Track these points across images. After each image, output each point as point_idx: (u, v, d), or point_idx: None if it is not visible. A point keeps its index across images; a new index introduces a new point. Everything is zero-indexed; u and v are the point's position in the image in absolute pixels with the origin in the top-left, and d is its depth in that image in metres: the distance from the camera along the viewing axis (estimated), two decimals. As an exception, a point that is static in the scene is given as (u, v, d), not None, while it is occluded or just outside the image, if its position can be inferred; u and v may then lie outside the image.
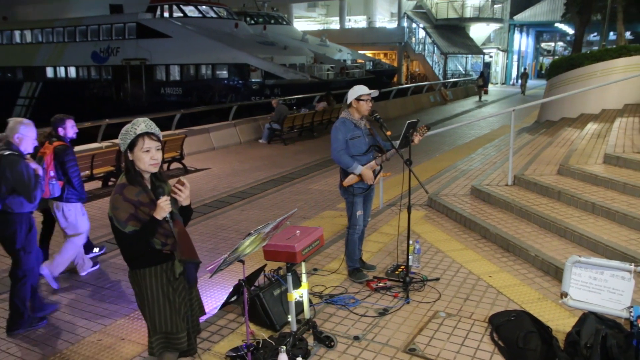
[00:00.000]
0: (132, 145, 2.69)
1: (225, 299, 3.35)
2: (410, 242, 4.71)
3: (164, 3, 27.00)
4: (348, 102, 4.61)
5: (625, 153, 6.67)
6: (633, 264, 3.10)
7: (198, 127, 13.81)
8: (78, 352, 3.97)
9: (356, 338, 3.81)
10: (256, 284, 4.07)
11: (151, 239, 2.69)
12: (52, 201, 5.16)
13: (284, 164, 11.51)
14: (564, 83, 12.77)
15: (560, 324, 3.84)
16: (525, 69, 34.64)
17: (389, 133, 4.46)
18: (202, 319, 4.27)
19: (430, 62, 36.37)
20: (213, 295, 4.91)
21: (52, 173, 4.91)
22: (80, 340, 4.17)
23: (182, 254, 2.76)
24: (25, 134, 4.21)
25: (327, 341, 3.69)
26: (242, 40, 25.69)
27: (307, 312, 3.85)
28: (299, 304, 3.85)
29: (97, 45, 28.73)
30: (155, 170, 2.75)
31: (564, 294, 3.23)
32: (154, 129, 2.74)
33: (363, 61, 30.12)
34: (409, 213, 4.57)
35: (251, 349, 3.37)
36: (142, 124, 2.71)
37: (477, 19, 37.64)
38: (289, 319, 3.67)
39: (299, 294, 3.74)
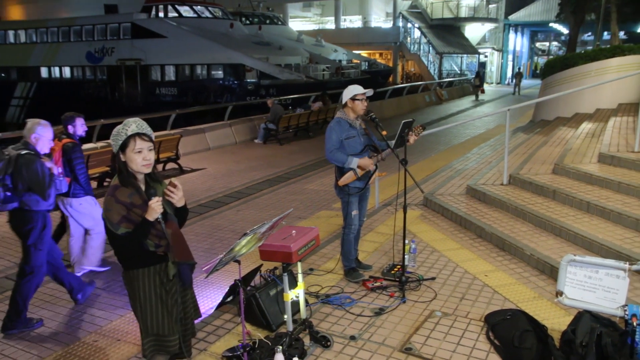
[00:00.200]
0: (123, 147, 2.67)
1: (221, 299, 3.34)
2: (406, 241, 4.71)
3: (159, 3, 26.94)
4: (343, 102, 4.61)
5: (619, 152, 6.70)
6: (628, 262, 3.11)
7: (193, 127, 13.78)
8: (74, 353, 3.96)
9: (352, 338, 3.81)
10: (252, 284, 4.06)
11: (144, 241, 2.67)
12: (60, 197, 5.26)
13: (280, 164, 11.50)
14: (559, 83, 12.82)
15: (556, 322, 3.85)
16: (519, 69, 34.74)
17: (384, 133, 4.47)
18: (196, 320, 4.28)
19: (426, 62, 36.44)
20: (209, 296, 4.90)
21: (60, 169, 5.00)
22: (75, 342, 4.16)
23: (175, 256, 2.74)
24: (41, 135, 4.36)
25: (323, 341, 3.69)
26: (237, 41, 25.67)
27: (303, 312, 3.85)
28: (295, 304, 3.85)
29: (92, 46, 28.64)
30: (147, 170, 2.73)
31: (559, 293, 3.24)
32: (146, 129, 2.72)
33: (358, 61, 30.15)
34: (405, 213, 4.57)
35: (247, 349, 3.37)
36: (133, 124, 2.68)
37: (472, 19, 37.73)
38: (285, 319, 3.67)
39: (295, 293, 3.74)
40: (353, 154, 4.54)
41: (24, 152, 4.23)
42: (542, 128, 11.60)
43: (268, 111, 14.85)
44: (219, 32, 26.06)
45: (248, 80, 23.83)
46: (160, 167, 10.81)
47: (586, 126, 9.59)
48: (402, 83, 34.46)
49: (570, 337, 3.28)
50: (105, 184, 9.48)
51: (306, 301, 4.00)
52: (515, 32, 41.61)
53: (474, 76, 30.67)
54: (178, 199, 2.75)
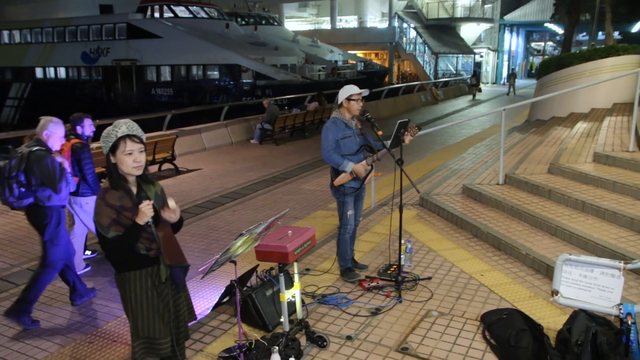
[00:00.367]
0: (114, 148, 2.64)
1: (217, 299, 3.34)
2: (402, 241, 4.72)
3: (155, 3, 26.87)
4: (339, 102, 4.61)
5: (614, 152, 6.73)
6: (622, 261, 3.13)
7: (189, 128, 13.76)
8: (70, 354, 3.95)
9: (349, 338, 3.82)
10: (248, 284, 4.06)
11: (134, 244, 2.64)
12: (69, 196, 5.29)
13: (276, 164, 11.50)
14: (554, 82, 12.86)
15: (552, 321, 3.86)
16: (513, 69, 34.85)
17: (380, 133, 4.47)
18: (192, 321, 4.27)
19: (421, 62, 36.49)
20: (205, 296, 4.89)
21: (68, 169, 5.07)
22: (71, 343, 4.14)
23: (167, 259, 2.71)
24: (53, 132, 4.52)
25: (319, 341, 3.69)
26: (233, 41, 25.65)
27: (299, 312, 3.85)
28: (292, 304, 3.85)
29: (87, 46, 28.55)
30: (138, 173, 2.70)
31: (554, 292, 3.25)
32: (136, 130, 2.69)
33: (354, 62, 30.17)
34: (401, 212, 4.58)
35: (244, 349, 3.36)
36: (124, 125, 2.65)
37: (467, 19, 37.82)
38: (282, 319, 3.67)
39: (292, 294, 3.74)
40: (349, 154, 4.55)
41: (35, 148, 4.36)
42: (537, 128, 11.64)
43: (264, 111, 14.85)
44: (214, 33, 26.02)
45: (244, 81, 23.81)
46: (156, 167, 10.80)
47: (581, 126, 9.63)
48: (398, 83, 34.50)
49: (566, 336, 3.29)
50: (101, 184, 9.45)
51: (302, 301, 4.00)
52: (511, 32, 41.73)
53: (470, 76, 30.83)
54: (175, 219, 2.75)
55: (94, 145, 10.91)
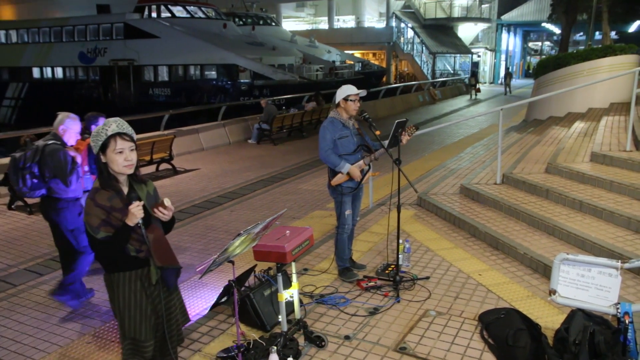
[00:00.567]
0: (104, 147, 2.60)
1: (215, 299, 3.33)
2: (400, 241, 4.72)
3: (152, 3, 26.85)
4: (336, 102, 4.61)
5: (611, 151, 6.74)
6: (620, 260, 3.13)
7: (187, 128, 13.74)
8: (67, 354, 3.94)
9: (347, 337, 3.82)
10: (246, 284, 4.06)
11: (124, 245, 2.60)
12: (85, 193, 5.38)
13: (274, 164, 11.50)
14: (551, 82, 12.88)
15: (549, 321, 3.87)
16: (508, 68, 34.92)
17: (378, 132, 4.47)
18: (190, 321, 4.27)
19: (419, 62, 36.52)
20: (203, 296, 4.89)
21: (86, 168, 5.17)
22: (69, 343, 4.14)
23: (158, 261, 2.68)
24: (69, 127, 4.70)
25: (317, 341, 3.69)
26: (230, 41, 25.64)
27: (297, 312, 3.85)
28: (290, 304, 3.85)
29: (84, 46, 28.50)
30: (129, 171, 2.66)
31: (552, 292, 3.25)
32: (127, 129, 2.66)
33: (352, 62, 30.18)
34: (399, 212, 4.58)
35: (242, 349, 3.36)
36: (114, 124, 2.62)
37: (465, 19, 37.86)
38: (280, 319, 3.67)
39: (290, 294, 3.73)
40: (346, 153, 4.55)
41: (50, 142, 4.53)
42: (535, 127, 11.65)
43: (262, 111, 14.84)
44: (212, 33, 26.01)
45: (241, 81, 23.80)
46: (153, 167, 10.78)
47: (579, 125, 9.65)
48: (395, 83, 34.52)
49: (564, 335, 3.30)
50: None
51: (300, 301, 4.00)
52: (508, 32, 41.77)
53: (469, 75, 30.93)
54: (168, 218, 2.70)
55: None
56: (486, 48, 40.54)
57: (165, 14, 26.80)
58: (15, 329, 4.44)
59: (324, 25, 43.51)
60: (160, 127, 13.63)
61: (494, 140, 11.19)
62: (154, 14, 26.85)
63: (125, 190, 2.70)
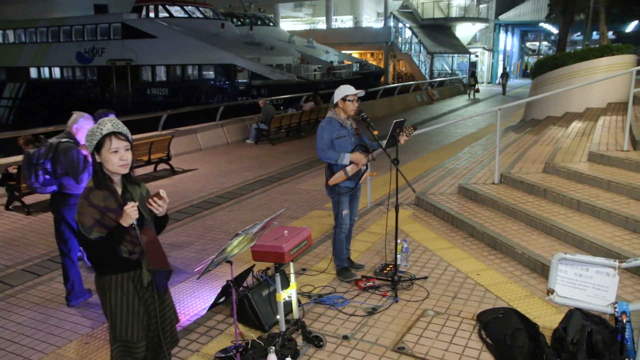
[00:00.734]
0: (99, 147, 2.57)
1: (213, 300, 3.33)
2: (398, 241, 4.72)
3: (150, 3, 26.82)
4: (334, 102, 4.61)
5: (609, 151, 6.76)
6: (617, 260, 3.14)
7: (185, 128, 13.73)
8: (65, 355, 3.93)
9: (345, 337, 3.82)
10: (245, 284, 4.06)
11: (118, 247, 2.57)
12: None
13: (272, 164, 11.49)
14: (549, 82, 12.90)
15: (547, 320, 3.88)
16: (505, 68, 34.99)
17: (376, 132, 4.47)
18: (189, 321, 4.26)
19: (417, 62, 36.54)
20: (201, 297, 4.89)
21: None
22: (67, 344, 4.13)
23: (151, 263, 2.67)
24: (82, 126, 4.82)
25: (316, 341, 3.69)
26: (228, 41, 25.63)
27: (295, 312, 3.85)
28: (288, 304, 3.85)
29: (82, 46, 28.47)
30: (125, 171, 2.63)
31: (550, 291, 3.26)
32: (122, 128, 2.63)
33: (350, 62, 30.20)
34: (397, 212, 4.58)
35: (240, 349, 3.36)
36: (109, 123, 2.59)
37: (462, 19, 37.89)
38: (278, 319, 3.66)
39: (288, 294, 3.73)
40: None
41: (64, 140, 4.69)
42: (532, 127, 11.67)
43: (260, 111, 14.84)
44: (210, 33, 26.00)
45: (239, 81, 23.80)
46: (151, 167, 10.77)
47: (576, 125, 9.67)
48: (393, 83, 34.53)
49: (562, 334, 3.30)
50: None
51: (299, 301, 4.00)
52: (506, 32, 41.86)
53: (469, 75, 31.07)
54: (162, 211, 2.65)
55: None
56: (484, 48, 40.61)
57: (163, 14, 26.78)
58: (12, 330, 4.43)
59: (321, 25, 43.51)
60: (158, 127, 13.62)
61: (491, 140, 11.20)
62: (151, 14, 26.84)
63: (119, 191, 2.67)
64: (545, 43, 52.61)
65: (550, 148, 8.22)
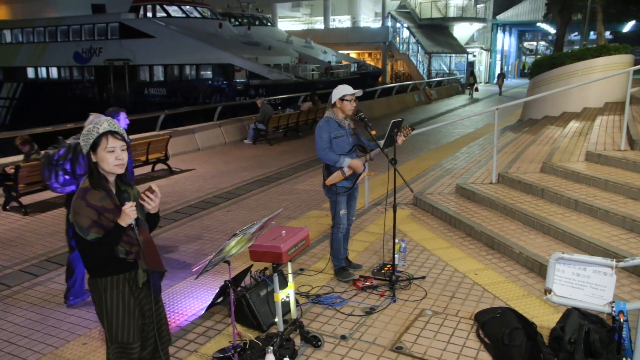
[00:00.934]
0: (95, 146, 2.56)
1: (211, 300, 3.33)
2: (396, 240, 4.72)
3: (147, 3, 26.77)
4: (332, 101, 4.61)
5: (606, 151, 6.77)
6: (615, 259, 3.14)
7: (183, 128, 13.72)
8: (62, 355, 3.93)
9: (343, 337, 3.82)
10: (242, 284, 4.06)
11: (115, 247, 2.56)
12: None
13: (270, 164, 11.49)
14: (547, 82, 12.92)
15: (545, 320, 3.88)
16: (502, 69, 35.07)
17: (373, 132, 4.47)
18: (186, 321, 4.26)
19: (415, 62, 36.56)
20: (199, 297, 4.88)
21: None
22: (64, 345, 4.12)
23: (148, 264, 2.66)
24: None
25: (314, 341, 3.69)
26: (226, 41, 25.60)
27: (293, 312, 3.85)
28: (286, 304, 3.85)
29: (79, 46, 28.40)
30: (121, 171, 2.62)
31: (547, 291, 3.26)
32: (118, 128, 2.63)
33: (348, 62, 30.21)
34: (395, 212, 4.58)
35: (238, 349, 3.36)
36: (105, 122, 2.59)
37: (460, 19, 37.93)
38: (276, 320, 3.67)
39: (286, 294, 3.73)
40: (341, 153, 4.54)
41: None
42: (530, 127, 11.69)
43: (257, 111, 14.83)
44: (207, 32, 25.96)
45: (237, 80, 23.77)
46: (149, 168, 10.76)
47: (574, 125, 9.68)
48: (391, 83, 34.53)
49: (559, 334, 3.31)
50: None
51: (297, 301, 4.00)
52: (503, 31, 41.91)
53: (468, 75, 31.27)
54: (155, 205, 2.64)
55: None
56: (482, 48, 40.67)
57: (160, 14, 26.73)
58: (9, 331, 4.42)
59: (319, 25, 43.47)
60: (156, 127, 13.60)
61: (489, 139, 11.22)
62: (149, 14, 26.78)
63: (113, 191, 2.66)
64: (542, 43, 52.69)
65: (548, 148, 8.23)
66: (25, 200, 8.28)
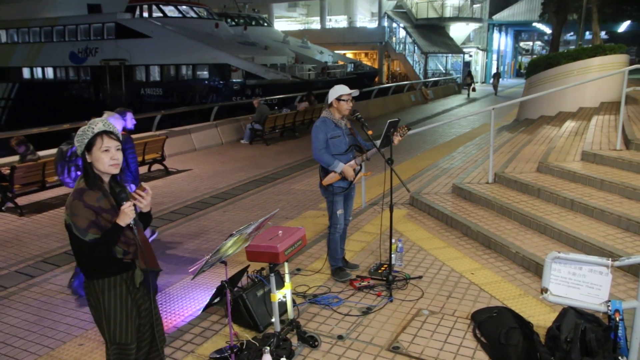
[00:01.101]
0: (89, 146, 2.54)
1: (208, 300, 3.32)
2: (393, 240, 4.72)
3: (143, 3, 26.72)
4: (328, 101, 4.61)
5: (602, 150, 6.79)
6: (610, 258, 3.15)
7: (179, 128, 13.70)
8: (58, 356, 3.91)
9: (340, 337, 3.82)
10: (239, 285, 4.05)
11: (113, 247, 2.55)
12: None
13: (266, 165, 11.48)
14: (543, 82, 12.96)
15: (541, 319, 3.89)
16: (497, 68, 35.15)
17: (370, 132, 4.47)
18: (183, 322, 4.26)
19: (411, 62, 36.60)
20: (196, 297, 4.88)
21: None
22: (60, 345, 4.11)
23: (146, 263, 2.65)
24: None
25: (311, 341, 3.69)
26: (222, 41, 25.57)
27: (290, 313, 3.85)
28: (283, 305, 3.84)
29: (75, 46, 28.32)
30: (115, 171, 2.60)
31: (544, 290, 3.27)
32: (113, 128, 2.62)
33: (344, 62, 30.22)
34: (391, 212, 4.59)
35: (235, 350, 3.36)
36: (100, 123, 2.58)
37: (456, 19, 37.99)
38: (273, 320, 3.66)
39: (282, 294, 3.73)
40: (338, 153, 4.55)
41: None
42: (526, 127, 11.71)
43: (254, 111, 14.81)
44: (204, 32, 25.93)
45: (234, 80, 23.74)
46: (145, 168, 10.73)
47: (569, 124, 9.71)
48: (387, 83, 34.55)
49: (555, 333, 3.32)
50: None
51: (293, 301, 4.00)
52: (500, 31, 41.99)
53: (465, 75, 31.40)
54: (147, 203, 2.63)
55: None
56: (478, 48, 40.72)
57: (156, 14, 26.68)
58: (5, 332, 4.41)
59: (316, 25, 43.46)
60: (152, 127, 13.58)
61: (485, 139, 11.24)
62: (145, 14, 26.73)
63: (108, 191, 2.65)
64: (538, 43, 52.84)
65: (544, 147, 8.25)
66: (21, 201, 8.25)
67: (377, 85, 26.33)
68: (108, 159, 2.55)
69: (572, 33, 39.03)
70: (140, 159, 10.29)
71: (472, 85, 28.98)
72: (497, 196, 6.36)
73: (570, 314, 3.40)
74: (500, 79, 31.41)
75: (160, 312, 3.02)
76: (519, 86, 29.67)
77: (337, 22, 45.17)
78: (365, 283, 4.62)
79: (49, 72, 29.90)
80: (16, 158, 8.73)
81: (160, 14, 26.66)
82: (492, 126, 7.32)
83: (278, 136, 15.50)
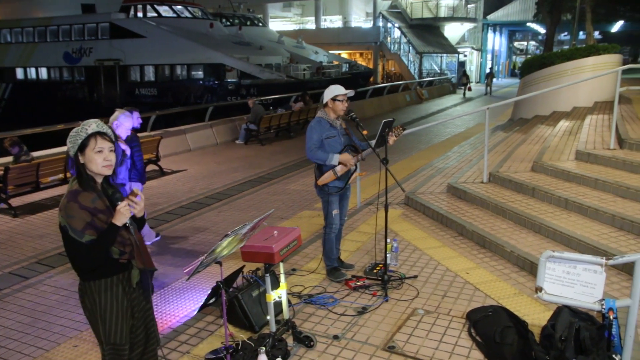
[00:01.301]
0: (83, 147, 2.53)
1: (203, 301, 3.32)
2: (388, 240, 4.73)
3: (138, 3, 26.64)
4: (324, 102, 4.61)
5: (595, 149, 6.82)
6: (604, 257, 3.17)
7: (174, 129, 13.67)
8: (53, 358, 3.90)
9: (335, 337, 3.82)
10: (235, 285, 4.05)
11: (110, 248, 2.54)
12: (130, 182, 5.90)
13: (261, 165, 11.47)
14: (537, 81, 13.01)
15: (536, 318, 3.91)
16: (490, 68, 35.26)
17: (365, 132, 4.48)
18: (178, 323, 4.25)
19: (406, 62, 36.65)
20: (191, 298, 4.87)
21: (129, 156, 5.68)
22: (55, 347, 4.09)
23: (144, 263, 2.65)
24: (122, 122, 5.36)
25: (306, 341, 3.69)
26: (217, 40, 25.53)
27: (286, 313, 3.85)
28: (278, 305, 3.84)
29: (69, 46, 28.21)
30: (108, 172, 2.60)
31: (538, 289, 3.28)
32: (106, 129, 2.61)
33: (339, 62, 30.22)
34: (386, 211, 4.59)
35: (230, 350, 3.35)
36: (94, 124, 2.57)
37: (451, 19, 38.07)
38: (268, 320, 3.66)
39: (278, 294, 3.73)
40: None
41: None
42: (521, 126, 11.76)
43: (249, 111, 14.79)
44: (198, 32, 25.88)
45: (228, 80, 23.70)
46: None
47: (564, 124, 9.75)
48: (382, 83, 34.59)
49: (550, 331, 3.33)
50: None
51: (289, 301, 4.00)
52: (494, 31, 42.15)
53: (461, 75, 31.56)
54: (140, 209, 2.60)
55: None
56: (472, 48, 40.84)
57: (151, 14, 26.61)
58: (0, 334, 4.38)
59: (311, 25, 43.45)
60: (147, 127, 13.53)
61: (480, 139, 11.27)
62: (139, 14, 26.65)
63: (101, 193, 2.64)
64: (532, 43, 53.02)
65: (538, 147, 8.28)
66: (15, 202, 8.21)
67: (372, 85, 26.35)
68: (101, 160, 2.54)
69: (566, 33, 39.21)
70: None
71: (468, 84, 29.20)
72: (492, 195, 6.38)
73: (564, 313, 3.42)
74: (495, 79, 31.53)
75: (155, 313, 3.02)
76: (513, 86, 29.79)
77: (332, 22, 45.18)
78: (360, 283, 4.63)
79: (43, 73, 29.76)
80: (10, 159, 8.69)
81: (155, 14, 26.59)
82: (487, 126, 7.34)
83: (273, 136, 15.49)
